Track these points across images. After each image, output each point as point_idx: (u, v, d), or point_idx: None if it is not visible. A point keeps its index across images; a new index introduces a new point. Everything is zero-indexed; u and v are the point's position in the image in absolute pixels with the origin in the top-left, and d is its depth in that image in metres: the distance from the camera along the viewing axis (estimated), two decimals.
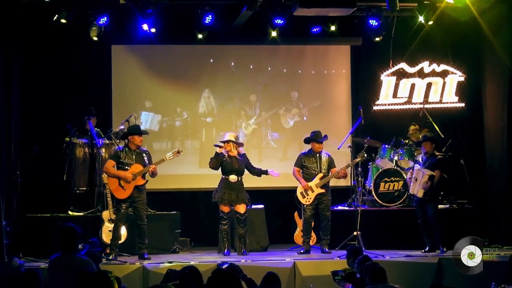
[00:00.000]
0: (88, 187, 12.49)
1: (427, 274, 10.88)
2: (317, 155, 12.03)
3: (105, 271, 6.03)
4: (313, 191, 11.91)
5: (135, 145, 11.34)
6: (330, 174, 11.98)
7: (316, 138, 12.05)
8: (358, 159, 12.17)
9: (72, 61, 13.23)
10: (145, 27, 12.60)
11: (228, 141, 11.72)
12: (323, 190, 11.92)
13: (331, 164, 12.06)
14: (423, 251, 11.69)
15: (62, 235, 7.71)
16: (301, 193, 11.99)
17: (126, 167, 11.24)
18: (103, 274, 5.87)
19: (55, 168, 12.68)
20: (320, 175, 11.94)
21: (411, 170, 12.10)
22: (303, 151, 12.26)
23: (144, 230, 11.36)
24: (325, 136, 12.19)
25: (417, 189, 11.77)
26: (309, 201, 11.93)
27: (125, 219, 11.47)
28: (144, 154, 11.42)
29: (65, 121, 12.67)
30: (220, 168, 11.78)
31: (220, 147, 11.71)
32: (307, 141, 12.21)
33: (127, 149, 11.36)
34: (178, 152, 11.52)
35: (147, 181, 11.42)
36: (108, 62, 13.67)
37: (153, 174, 11.41)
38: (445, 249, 11.52)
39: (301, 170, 12.08)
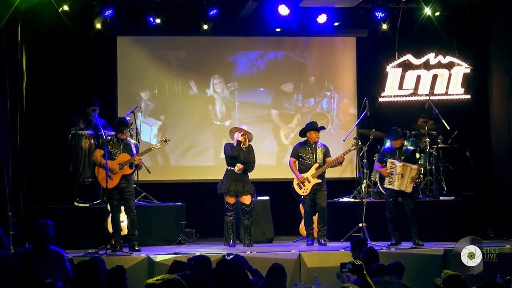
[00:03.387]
0: (94, 178, 12.32)
1: (432, 265, 10.84)
2: (313, 145, 11.97)
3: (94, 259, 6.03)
4: (309, 182, 11.86)
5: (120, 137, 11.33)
6: (326, 164, 11.91)
7: (314, 126, 12.00)
8: (352, 149, 12.00)
9: (78, 53, 13.18)
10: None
11: (244, 133, 11.67)
12: (319, 181, 11.85)
13: (326, 154, 11.98)
14: (390, 243, 11.53)
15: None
16: (298, 184, 11.93)
17: (113, 157, 11.20)
18: (92, 262, 5.84)
19: (60, 159, 12.67)
20: (316, 165, 11.86)
21: (388, 166, 11.65)
22: (299, 142, 12.19)
23: (134, 221, 11.31)
24: (322, 127, 12.18)
25: (405, 185, 11.55)
26: (306, 192, 11.87)
27: (121, 210, 11.40)
28: (132, 145, 11.40)
29: (71, 112, 12.60)
30: (226, 158, 11.78)
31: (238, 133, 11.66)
32: (302, 132, 12.12)
33: (115, 139, 11.33)
34: (165, 141, 11.52)
35: (134, 170, 11.40)
36: (113, 54, 13.65)
37: (137, 167, 11.41)
38: (421, 243, 11.43)
39: (297, 161, 12.03)
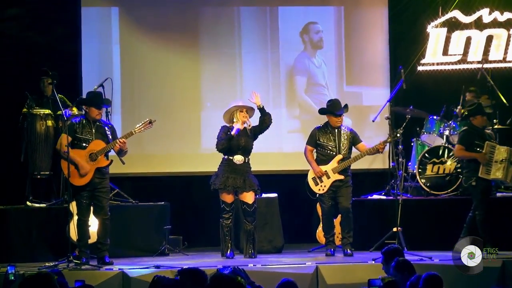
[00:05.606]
0: (52, 171, 12.41)
1: (488, 280, 10.73)
2: (336, 130, 11.78)
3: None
4: (328, 178, 11.68)
5: (92, 117, 11.21)
6: (352, 156, 11.70)
7: (332, 109, 11.78)
8: (388, 140, 11.67)
9: (33, 14, 13.20)
10: None
11: (247, 109, 11.47)
12: (342, 177, 11.66)
13: (354, 141, 11.80)
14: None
15: None
16: (314, 178, 11.76)
17: (84, 144, 11.07)
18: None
19: (9, 147, 12.76)
20: (339, 157, 11.67)
21: (487, 150, 11.47)
22: (318, 125, 11.99)
23: (107, 226, 11.27)
24: (345, 106, 11.92)
25: (510, 175, 11.54)
26: (323, 189, 11.70)
27: (90, 212, 11.33)
28: (106, 128, 11.27)
29: (22, 87, 12.60)
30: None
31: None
32: (322, 111, 11.93)
33: (84, 121, 11.20)
34: (150, 122, 11.30)
35: (111, 161, 11.28)
36: (77, 14, 13.74)
37: (121, 152, 11.26)
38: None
39: (315, 150, 11.87)
